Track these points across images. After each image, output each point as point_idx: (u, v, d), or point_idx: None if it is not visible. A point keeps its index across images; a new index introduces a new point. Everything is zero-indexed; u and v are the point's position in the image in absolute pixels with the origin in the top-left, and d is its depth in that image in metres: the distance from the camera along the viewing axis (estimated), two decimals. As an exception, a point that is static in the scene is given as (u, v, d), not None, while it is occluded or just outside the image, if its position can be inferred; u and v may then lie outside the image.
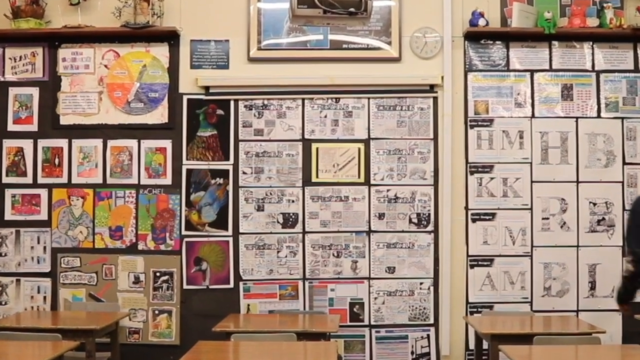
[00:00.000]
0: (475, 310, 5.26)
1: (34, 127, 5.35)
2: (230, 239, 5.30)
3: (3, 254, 5.31)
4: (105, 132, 5.33)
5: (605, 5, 5.23)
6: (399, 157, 5.31)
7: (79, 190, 5.32)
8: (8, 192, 5.33)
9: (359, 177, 5.32)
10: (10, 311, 5.24)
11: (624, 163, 5.31)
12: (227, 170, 5.33)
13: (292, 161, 5.33)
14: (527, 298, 5.27)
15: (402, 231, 5.29)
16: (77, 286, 5.28)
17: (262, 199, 5.31)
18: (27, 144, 5.34)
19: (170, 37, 5.32)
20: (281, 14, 5.28)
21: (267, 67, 5.33)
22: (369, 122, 5.32)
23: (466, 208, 5.31)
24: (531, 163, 5.32)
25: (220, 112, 5.33)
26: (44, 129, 5.34)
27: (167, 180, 5.33)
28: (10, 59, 5.37)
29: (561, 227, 5.30)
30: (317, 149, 5.33)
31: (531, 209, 5.29)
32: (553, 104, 5.35)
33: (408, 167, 5.31)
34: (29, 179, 5.33)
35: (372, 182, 5.31)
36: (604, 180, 5.32)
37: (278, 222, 5.31)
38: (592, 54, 5.34)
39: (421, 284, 5.29)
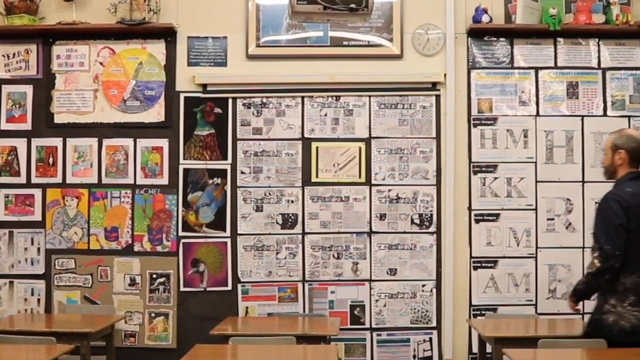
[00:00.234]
0: (478, 312, 5.20)
1: (27, 125, 5.28)
2: (228, 240, 5.24)
3: (-4, 256, 5.26)
4: (100, 130, 5.27)
5: (611, 1, 5.17)
6: (400, 157, 5.26)
7: (74, 190, 5.26)
8: (1, 193, 5.26)
9: (359, 176, 5.26)
10: (4, 314, 5.17)
11: (631, 162, 5.25)
12: (225, 170, 5.27)
13: (292, 160, 5.27)
14: (531, 300, 5.21)
15: (404, 232, 5.24)
16: (71, 288, 5.22)
17: (260, 199, 5.25)
18: (20, 143, 5.27)
19: (167, 34, 5.26)
20: (280, 10, 5.21)
21: (266, 64, 5.27)
22: (370, 120, 5.27)
23: (469, 208, 5.25)
24: (536, 162, 5.26)
25: (218, 110, 5.27)
26: (37, 127, 5.28)
27: (164, 180, 5.27)
28: (3, 56, 5.30)
29: (566, 227, 5.23)
30: (317, 148, 5.27)
31: (536, 209, 5.24)
32: (558, 102, 5.29)
33: (410, 166, 5.25)
34: (22, 179, 5.26)
35: (373, 182, 5.26)
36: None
37: (277, 222, 5.25)
38: (598, 51, 5.28)
39: (423, 286, 5.23)
